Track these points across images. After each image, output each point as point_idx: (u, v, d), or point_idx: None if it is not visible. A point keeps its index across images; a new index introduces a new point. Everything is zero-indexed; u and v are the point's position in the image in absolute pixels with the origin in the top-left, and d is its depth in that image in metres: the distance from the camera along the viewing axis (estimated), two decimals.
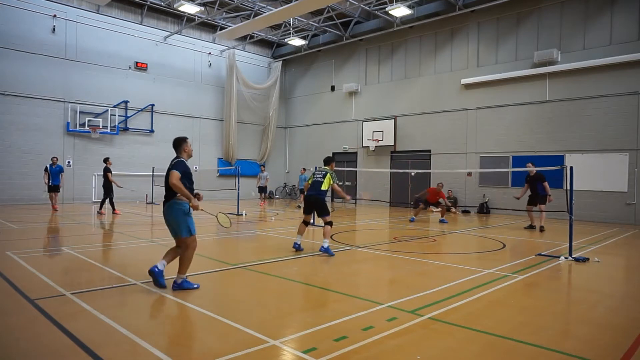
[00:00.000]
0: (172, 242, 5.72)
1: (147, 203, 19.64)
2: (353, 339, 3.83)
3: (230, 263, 7.10)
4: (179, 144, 5.84)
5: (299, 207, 18.62)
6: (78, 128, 18.87)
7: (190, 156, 5.85)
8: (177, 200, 5.32)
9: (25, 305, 4.69)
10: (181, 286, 5.33)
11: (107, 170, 14.40)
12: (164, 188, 5.47)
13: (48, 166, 15.03)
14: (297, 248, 8.17)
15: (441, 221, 14.12)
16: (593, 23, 15.92)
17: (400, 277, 6.60)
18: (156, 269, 5.39)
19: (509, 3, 17.35)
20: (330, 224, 8.12)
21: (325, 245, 7.89)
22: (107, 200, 14.49)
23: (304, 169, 20.09)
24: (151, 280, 5.49)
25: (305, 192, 8.55)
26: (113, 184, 14.47)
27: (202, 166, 22.96)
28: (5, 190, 17.01)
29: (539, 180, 12.30)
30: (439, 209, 15.26)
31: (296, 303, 5.17)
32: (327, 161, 9.00)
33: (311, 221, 8.87)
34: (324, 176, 8.41)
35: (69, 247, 8.24)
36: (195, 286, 5.42)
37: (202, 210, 5.44)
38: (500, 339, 3.96)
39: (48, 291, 5.21)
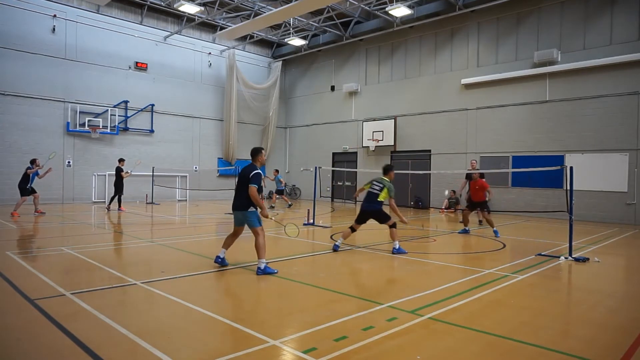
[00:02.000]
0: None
1: (147, 203, 19.64)
2: (353, 339, 3.83)
3: (231, 263, 7.10)
4: (255, 153, 6.71)
5: (272, 207, 18.57)
6: (78, 128, 18.87)
7: (262, 164, 6.86)
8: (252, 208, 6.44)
9: (25, 305, 4.69)
10: (264, 271, 6.33)
11: (119, 170, 16.09)
12: (236, 192, 6.57)
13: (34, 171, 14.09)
14: (335, 249, 8.25)
15: (464, 232, 11.54)
16: (593, 23, 15.92)
17: (400, 277, 6.60)
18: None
19: (509, 3, 17.35)
20: (394, 225, 8.22)
21: (397, 247, 8.17)
22: (116, 198, 15.99)
23: (277, 171, 19.93)
24: (151, 280, 5.49)
25: (357, 197, 9.01)
26: (124, 177, 16.09)
27: (202, 166, 22.96)
28: (5, 190, 17.01)
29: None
30: (484, 213, 11.75)
31: (296, 303, 5.17)
32: (387, 170, 8.44)
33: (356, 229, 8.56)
34: (381, 189, 8.15)
35: (69, 247, 8.24)
36: (275, 271, 6.38)
37: (272, 219, 7.29)
38: (500, 339, 3.96)
39: (48, 291, 5.21)
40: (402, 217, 8.32)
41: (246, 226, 6.61)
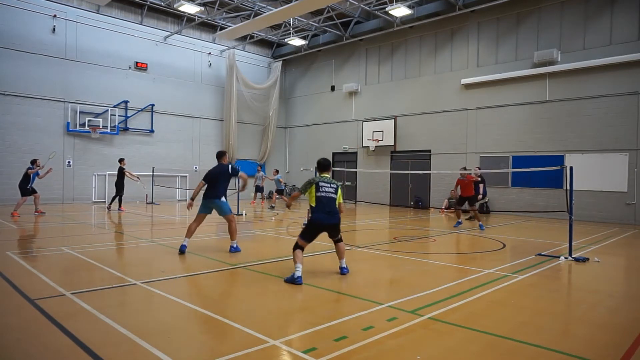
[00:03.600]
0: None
1: (147, 203, 19.64)
2: (353, 339, 3.83)
3: (230, 263, 7.10)
4: (221, 155, 8.20)
5: (272, 207, 18.62)
6: (78, 128, 18.88)
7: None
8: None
9: (25, 305, 4.69)
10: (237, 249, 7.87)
11: (122, 170, 16.08)
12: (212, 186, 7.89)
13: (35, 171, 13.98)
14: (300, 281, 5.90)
15: (458, 224, 12.74)
16: (593, 23, 15.92)
17: (400, 277, 6.60)
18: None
19: (509, 3, 17.35)
20: (341, 239, 6.56)
21: (344, 265, 6.54)
22: (117, 198, 16.02)
23: (277, 171, 20.09)
24: (151, 280, 5.48)
25: (291, 205, 7.21)
26: (130, 178, 16.23)
27: (202, 166, 22.95)
28: (5, 190, 17.01)
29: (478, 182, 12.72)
30: (471, 211, 13.12)
31: (296, 303, 5.17)
32: (327, 166, 6.58)
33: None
34: (335, 190, 6.35)
35: (69, 247, 8.24)
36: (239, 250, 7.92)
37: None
38: (500, 339, 3.96)
39: (48, 291, 5.21)
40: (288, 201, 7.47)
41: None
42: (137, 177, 16.97)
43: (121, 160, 16.51)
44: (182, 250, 7.65)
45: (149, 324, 4.30)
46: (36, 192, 14.05)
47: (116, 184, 16.14)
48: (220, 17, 21.97)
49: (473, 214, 13.02)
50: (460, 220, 12.84)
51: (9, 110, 17.39)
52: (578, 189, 13.91)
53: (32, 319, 4.27)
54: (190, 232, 7.85)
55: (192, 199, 7.90)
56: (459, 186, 12.93)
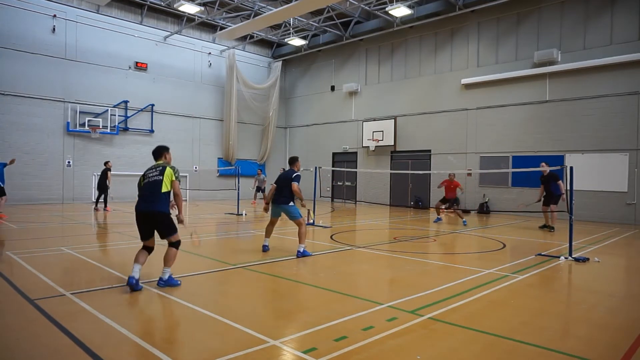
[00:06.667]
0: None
1: None
2: (353, 339, 3.83)
3: (230, 263, 7.10)
4: (293, 161, 8.25)
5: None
6: (78, 128, 18.87)
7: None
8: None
9: (25, 305, 4.69)
10: (303, 254, 7.62)
11: (106, 172, 15.94)
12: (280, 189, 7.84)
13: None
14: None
15: (438, 220, 14.26)
16: (593, 23, 15.92)
17: (400, 277, 6.60)
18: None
19: (509, 3, 17.35)
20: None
21: (166, 277, 5.51)
22: (102, 198, 15.97)
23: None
24: (152, 279, 5.48)
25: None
26: (108, 182, 15.93)
27: (202, 166, 22.96)
28: (5, 190, 16.96)
29: (552, 179, 11.99)
30: (454, 210, 14.71)
31: (296, 303, 5.16)
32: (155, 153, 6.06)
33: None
34: (161, 172, 5.57)
35: (69, 247, 8.23)
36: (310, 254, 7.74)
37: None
38: (500, 339, 3.96)
39: (48, 291, 5.21)
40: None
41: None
42: (109, 184, 16.24)
43: (107, 163, 16.31)
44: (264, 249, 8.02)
45: (149, 324, 4.30)
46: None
47: (100, 184, 15.97)
48: (220, 17, 21.97)
49: (456, 214, 14.56)
50: (440, 217, 14.44)
51: (9, 110, 17.38)
52: (578, 189, 13.92)
53: (32, 319, 4.27)
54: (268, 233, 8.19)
55: (267, 203, 8.18)
56: (444, 187, 14.18)
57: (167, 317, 4.65)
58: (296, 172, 7.98)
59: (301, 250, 7.66)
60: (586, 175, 15.22)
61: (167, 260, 5.42)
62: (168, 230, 5.40)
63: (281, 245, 9.03)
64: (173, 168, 5.62)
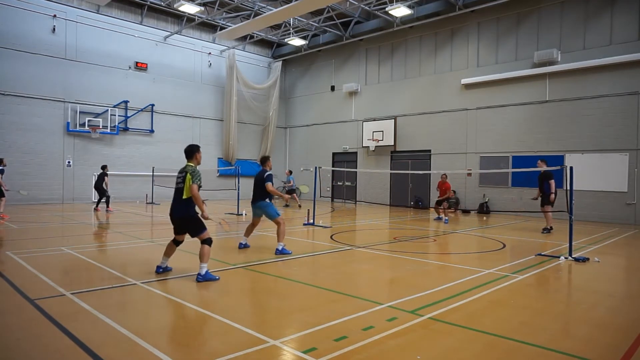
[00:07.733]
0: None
1: (147, 203, 19.63)
2: (353, 339, 3.83)
3: (230, 263, 7.11)
4: (264, 160, 8.61)
5: (287, 205, 19.26)
6: (78, 128, 18.87)
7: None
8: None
9: (25, 305, 4.69)
10: (282, 252, 7.82)
11: (103, 175, 16.06)
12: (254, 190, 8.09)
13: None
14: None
15: (438, 219, 14.84)
16: (593, 23, 15.92)
17: (400, 277, 6.60)
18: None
19: (509, 3, 17.35)
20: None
21: (203, 272, 5.85)
22: (103, 199, 16.02)
23: (290, 172, 21.23)
24: (151, 280, 5.48)
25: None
26: (106, 186, 15.98)
27: (202, 166, 22.73)
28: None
29: (545, 178, 11.76)
30: (442, 209, 15.18)
31: (296, 303, 5.16)
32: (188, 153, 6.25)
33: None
34: (183, 179, 5.90)
35: (69, 247, 8.24)
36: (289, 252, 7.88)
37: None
38: (500, 339, 3.96)
39: (48, 291, 5.21)
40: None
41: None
42: (107, 188, 16.23)
43: (104, 167, 16.39)
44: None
45: (149, 324, 4.30)
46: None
47: (99, 187, 15.95)
48: (220, 17, 21.97)
49: (443, 212, 15.36)
50: (439, 216, 15.01)
51: (9, 110, 17.38)
52: (578, 189, 13.92)
53: (32, 319, 4.27)
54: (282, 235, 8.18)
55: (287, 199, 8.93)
56: (438, 187, 15.19)
57: (167, 317, 4.65)
58: (268, 171, 8.25)
59: (280, 248, 7.86)
60: (586, 175, 15.22)
61: (202, 257, 5.82)
62: (196, 230, 5.94)
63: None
64: (193, 173, 5.89)
